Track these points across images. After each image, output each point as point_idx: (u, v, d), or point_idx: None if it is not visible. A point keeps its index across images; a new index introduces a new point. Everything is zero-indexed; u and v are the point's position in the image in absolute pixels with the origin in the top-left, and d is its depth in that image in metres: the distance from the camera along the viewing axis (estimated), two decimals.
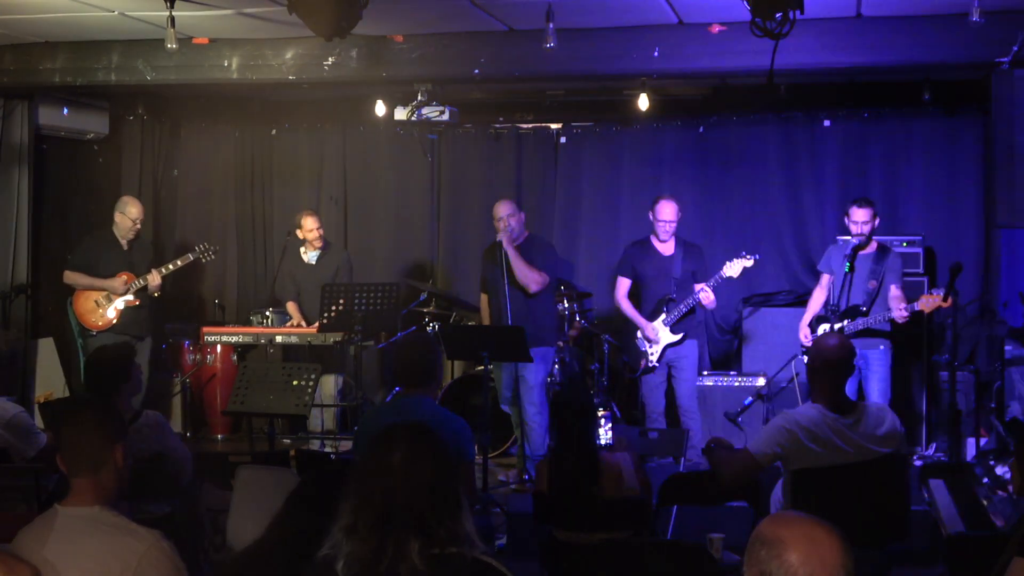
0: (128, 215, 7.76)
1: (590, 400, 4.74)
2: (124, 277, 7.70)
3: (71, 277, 7.79)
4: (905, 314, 6.61)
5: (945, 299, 6.44)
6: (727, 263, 7.02)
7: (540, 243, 7.35)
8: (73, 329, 8.11)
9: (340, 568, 2.36)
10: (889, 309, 6.69)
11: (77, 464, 2.90)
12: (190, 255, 7.93)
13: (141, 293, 7.76)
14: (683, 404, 7.25)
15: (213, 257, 8.13)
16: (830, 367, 4.36)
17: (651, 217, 7.28)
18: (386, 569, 2.33)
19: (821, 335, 4.57)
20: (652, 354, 7.23)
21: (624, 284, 7.40)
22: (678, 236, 7.30)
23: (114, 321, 7.71)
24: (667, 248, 7.26)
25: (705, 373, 7.91)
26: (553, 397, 4.81)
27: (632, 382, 7.71)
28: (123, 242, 7.82)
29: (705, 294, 7.00)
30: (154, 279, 7.69)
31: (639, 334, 7.28)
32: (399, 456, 2.42)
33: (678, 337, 7.16)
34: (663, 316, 7.15)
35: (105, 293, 7.70)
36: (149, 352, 7.95)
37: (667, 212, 7.18)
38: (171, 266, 7.82)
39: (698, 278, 7.10)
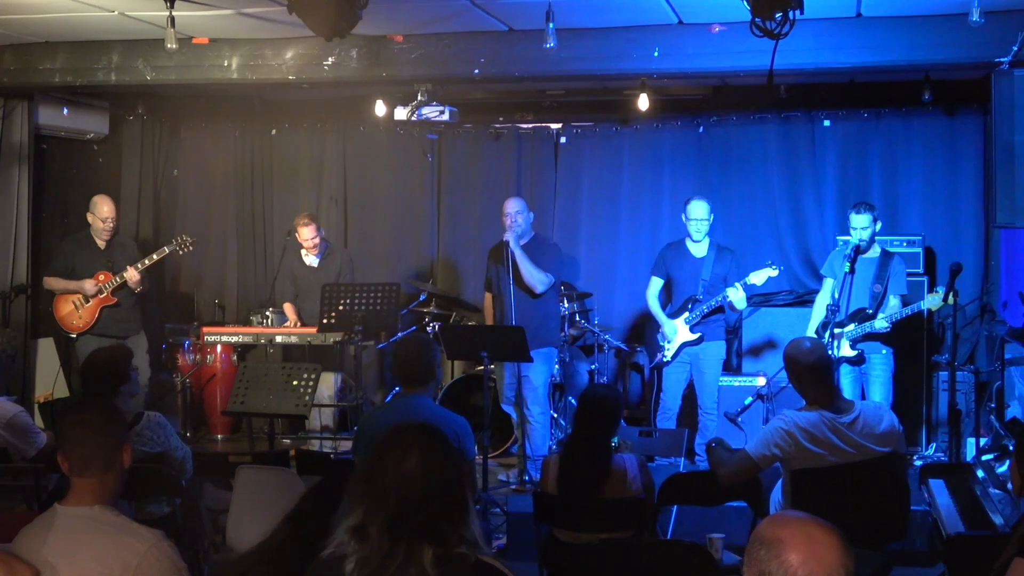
0: (98, 214, 7.61)
1: (618, 404, 4.72)
2: (101, 276, 7.56)
3: (49, 283, 7.69)
4: (887, 327, 6.64)
5: (944, 298, 6.45)
6: (752, 272, 7.00)
7: (546, 243, 7.35)
8: None
9: (349, 570, 2.36)
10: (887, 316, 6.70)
11: (83, 465, 2.89)
12: (166, 248, 7.77)
13: (121, 291, 7.62)
14: (702, 403, 7.25)
15: (191, 249, 7.92)
16: (812, 370, 4.35)
17: (684, 218, 7.28)
18: (396, 572, 2.33)
19: (790, 344, 4.52)
20: (668, 350, 7.24)
21: (656, 283, 7.41)
22: (712, 239, 7.29)
23: (93, 322, 7.58)
24: (700, 250, 7.25)
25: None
26: (581, 395, 4.80)
27: (641, 380, 7.74)
28: (100, 242, 7.68)
29: (735, 291, 6.97)
30: (131, 275, 7.52)
31: (663, 327, 7.30)
32: (414, 460, 2.40)
33: (695, 336, 7.14)
34: (686, 315, 7.15)
35: (80, 295, 7.58)
36: (142, 353, 7.85)
37: (698, 211, 7.18)
38: (147, 261, 7.62)
39: (729, 281, 7.06)
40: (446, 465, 2.43)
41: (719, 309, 7.12)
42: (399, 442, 2.46)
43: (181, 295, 9.53)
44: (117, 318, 7.66)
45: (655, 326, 7.47)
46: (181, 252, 7.90)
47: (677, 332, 7.19)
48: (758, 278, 6.98)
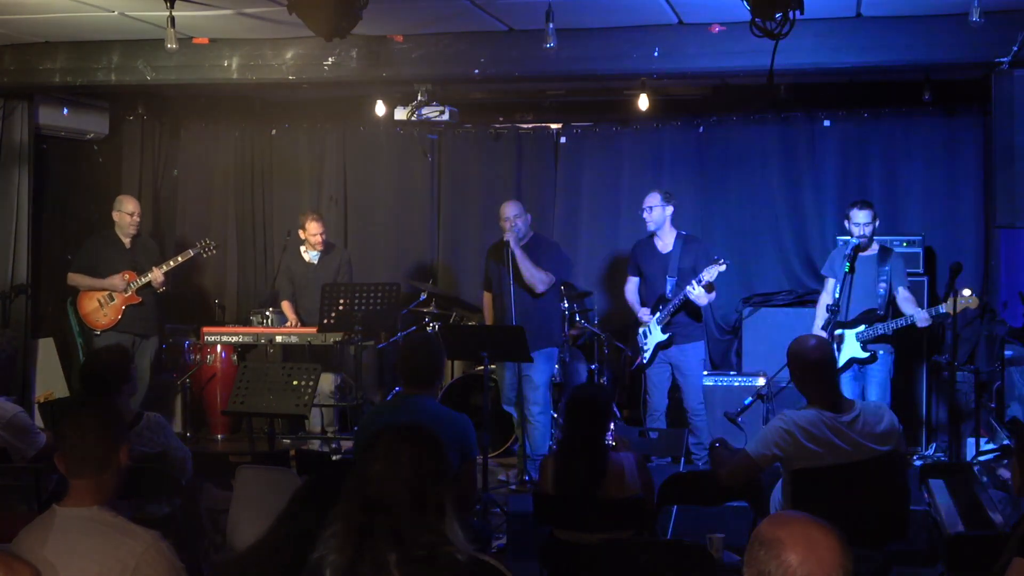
0: (125, 211, 7.83)
1: (608, 401, 4.72)
2: (127, 275, 7.73)
3: (74, 279, 7.86)
4: (928, 319, 6.55)
5: (978, 300, 6.37)
6: (705, 269, 6.99)
7: (545, 243, 7.35)
8: (73, 329, 8.14)
9: (327, 574, 2.36)
10: (908, 316, 6.57)
11: (80, 465, 2.90)
12: (191, 251, 7.98)
13: (144, 291, 7.79)
14: (689, 405, 7.25)
15: (214, 252, 8.16)
16: (815, 368, 4.34)
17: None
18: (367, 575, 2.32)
19: (795, 340, 4.50)
20: (646, 350, 7.24)
21: (632, 282, 7.45)
22: (679, 231, 7.29)
23: (118, 320, 7.75)
24: (666, 245, 7.26)
25: (705, 373, 7.89)
26: (569, 396, 4.80)
27: (634, 381, 7.73)
28: (125, 240, 7.88)
29: (692, 289, 6.95)
30: (157, 276, 7.74)
31: (640, 329, 7.30)
32: (377, 467, 2.40)
33: (666, 337, 7.13)
34: (657, 315, 7.15)
35: (107, 292, 7.75)
36: (154, 352, 7.99)
37: (646, 200, 7.25)
38: (172, 262, 7.84)
39: (698, 271, 7.03)
40: (410, 471, 2.40)
41: (685, 305, 7.08)
42: (369, 448, 2.46)
43: (181, 295, 9.53)
44: (140, 316, 7.85)
45: (636, 328, 7.43)
46: (205, 255, 8.12)
47: (651, 333, 7.20)
48: (709, 274, 6.96)
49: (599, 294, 8.72)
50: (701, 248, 7.24)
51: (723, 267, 6.96)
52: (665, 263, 7.21)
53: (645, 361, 7.26)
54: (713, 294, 7.08)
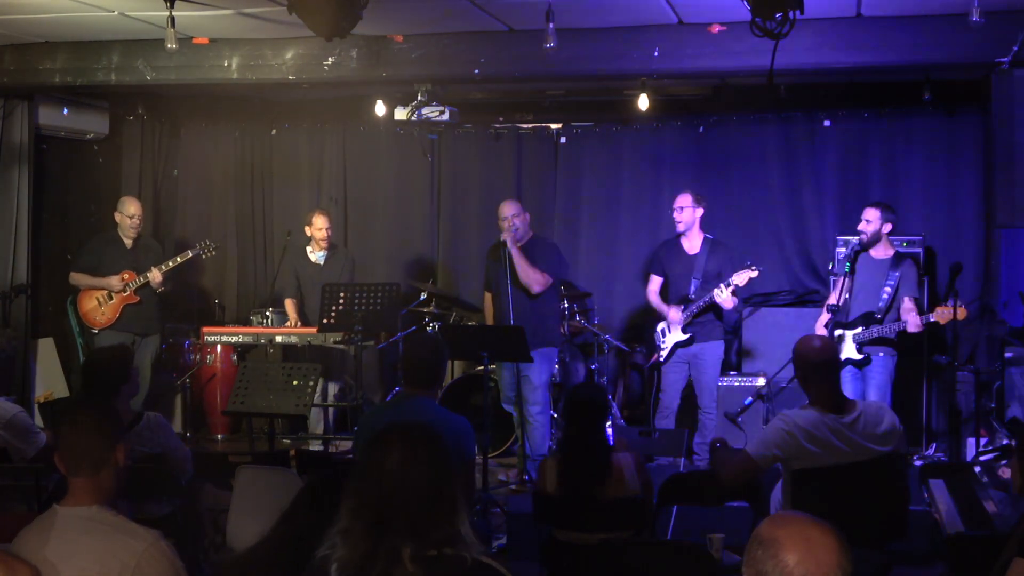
0: (126, 213, 7.87)
1: (606, 400, 4.73)
2: (125, 275, 7.74)
3: (75, 278, 7.91)
4: (919, 325, 6.56)
5: (961, 311, 6.37)
6: (735, 273, 7.00)
7: (544, 243, 7.35)
8: (73, 329, 8.14)
9: (333, 571, 2.36)
10: (903, 321, 6.59)
11: (77, 464, 2.90)
12: (190, 251, 8.00)
13: (143, 291, 7.81)
14: (701, 403, 7.27)
15: (214, 253, 8.18)
16: (819, 369, 4.34)
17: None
18: (379, 573, 2.32)
19: (801, 340, 4.52)
20: (663, 348, 7.25)
21: (655, 281, 7.45)
22: (707, 235, 7.30)
23: (116, 319, 7.79)
24: (693, 247, 7.27)
25: None
26: (567, 396, 4.81)
27: (638, 380, 7.74)
28: (127, 241, 7.91)
29: (720, 293, 6.96)
30: (155, 276, 7.75)
31: (658, 327, 7.30)
32: (394, 459, 2.40)
33: (686, 337, 7.15)
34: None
35: (105, 291, 7.77)
36: (155, 351, 8.01)
37: (677, 201, 7.25)
38: (171, 263, 7.85)
39: (724, 277, 7.04)
40: (427, 464, 2.41)
41: (711, 308, 7.10)
42: (380, 443, 2.46)
43: (181, 295, 9.53)
44: (138, 316, 7.89)
45: (654, 325, 7.47)
46: (204, 256, 8.15)
47: (670, 331, 7.21)
48: (740, 279, 6.97)
49: (599, 294, 8.72)
50: (728, 253, 7.26)
51: (755, 273, 6.96)
52: (691, 265, 7.22)
53: (662, 359, 7.27)
54: (738, 299, 7.09)
